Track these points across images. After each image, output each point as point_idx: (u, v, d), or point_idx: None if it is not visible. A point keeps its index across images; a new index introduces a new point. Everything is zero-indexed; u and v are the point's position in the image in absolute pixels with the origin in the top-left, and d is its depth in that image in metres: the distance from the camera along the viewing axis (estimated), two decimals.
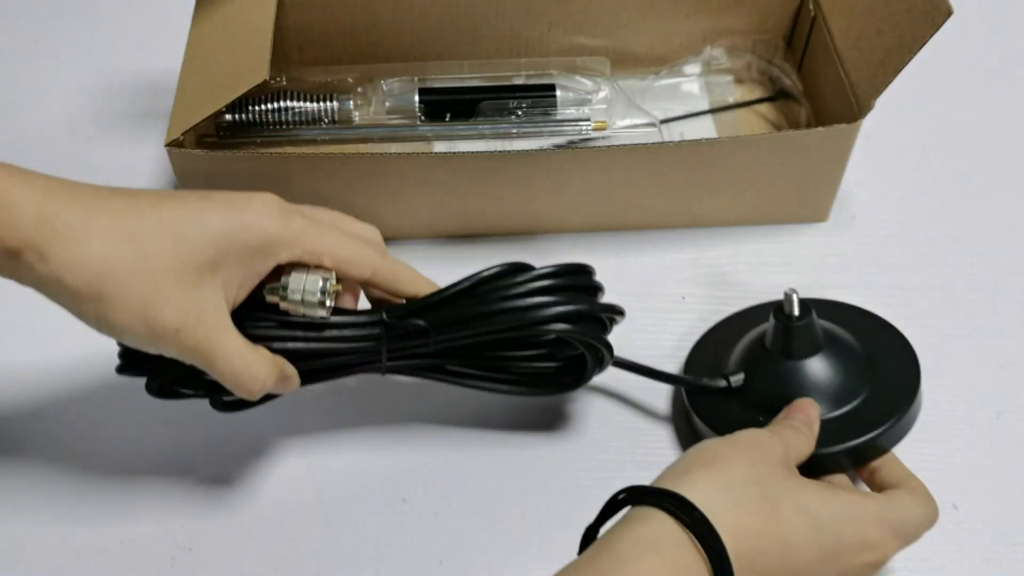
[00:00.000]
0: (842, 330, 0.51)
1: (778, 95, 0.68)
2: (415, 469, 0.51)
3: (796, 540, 0.40)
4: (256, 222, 0.42)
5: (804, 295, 0.58)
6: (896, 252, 0.61)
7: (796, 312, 0.48)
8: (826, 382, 0.48)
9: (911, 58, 0.53)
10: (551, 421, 0.53)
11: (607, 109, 0.65)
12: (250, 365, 0.42)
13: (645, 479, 0.51)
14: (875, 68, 0.56)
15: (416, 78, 0.65)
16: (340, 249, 0.44)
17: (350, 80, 0.66)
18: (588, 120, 0.62)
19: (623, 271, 0.59)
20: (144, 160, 0.65)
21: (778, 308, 0.48)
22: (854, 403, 0.48)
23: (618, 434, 0.53)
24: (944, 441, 0.52)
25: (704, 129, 0.66)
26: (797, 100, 0.66)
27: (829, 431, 0.47)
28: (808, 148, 0.57)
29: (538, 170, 0.57)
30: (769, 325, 0.49)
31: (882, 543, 0.42)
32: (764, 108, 0.67)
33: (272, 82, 0.65)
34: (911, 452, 0.51)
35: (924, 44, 0.52)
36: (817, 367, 0.48)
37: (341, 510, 0.50)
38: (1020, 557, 0.48)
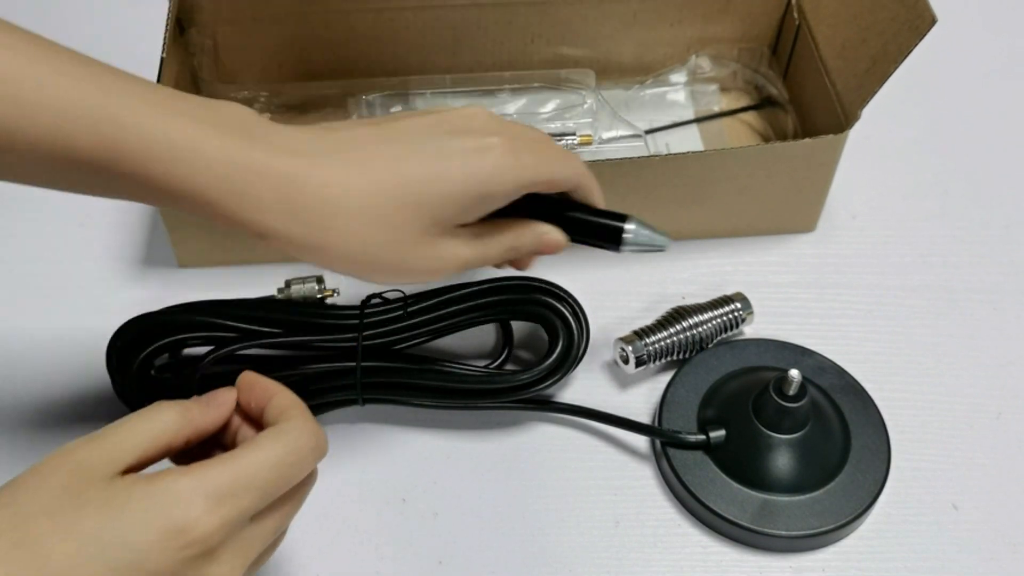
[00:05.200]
0: (826, 402, 0.51)
1: (764, 103, 0.67)
2: (415, 469, 0.51)
3: None
4: (498, 177, 0.41)
5: (805, 294, 0.58)
6: (896, 252, 0.61)
7: (793, 393, 0.48)
8: (806, 461, 0.48)
9: (896, 67, 0.53)
10: (553, 421, 0.53)
11: (592, 122, 0.64)
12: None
13: (646, 474, 0.51)
14: (861, 77, 0.56)
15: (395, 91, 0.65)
16: (559, 171, 0.44)
17: (332, 93, 0.65)
18: (574, 134, 0.62)
19: (614, 286, 0.59)
20: None
21: (777, 385, 0.48)
22: (828, 486, 0.48)
23: (618, 433, 0.53)
24: (944, 441, 0.52)
25: (690, 138, 0.66)
26: (783, 108, 0.66)
27: (800, 514, 0.48)
28: (795, 159, 0.57)
29: None
30: (763, 395, 0.48)
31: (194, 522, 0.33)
32: (750, 116, 0.67)
33: (246, 96, 0.65)
34: (912, 452, 0.52)
35: (909, 53, 0.52)
36: (800, 445, 0.48)
37: (341, 510, 0.50)
38: (1020, 557, 0.48)
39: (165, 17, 0.59)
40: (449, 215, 0.40)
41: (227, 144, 0.37)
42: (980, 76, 0.72)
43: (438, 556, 0.48)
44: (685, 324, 0.53)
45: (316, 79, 0.66)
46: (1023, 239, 0.62)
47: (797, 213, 0.61)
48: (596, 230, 0.47)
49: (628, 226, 0.46)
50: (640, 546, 0.48)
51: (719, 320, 0.54)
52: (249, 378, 0.40)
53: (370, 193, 0.39)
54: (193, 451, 0.39)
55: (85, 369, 0.54)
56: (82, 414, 0.53)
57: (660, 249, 0.48)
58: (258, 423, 0.40)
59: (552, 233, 0.45)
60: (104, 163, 0.37)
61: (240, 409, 0.40)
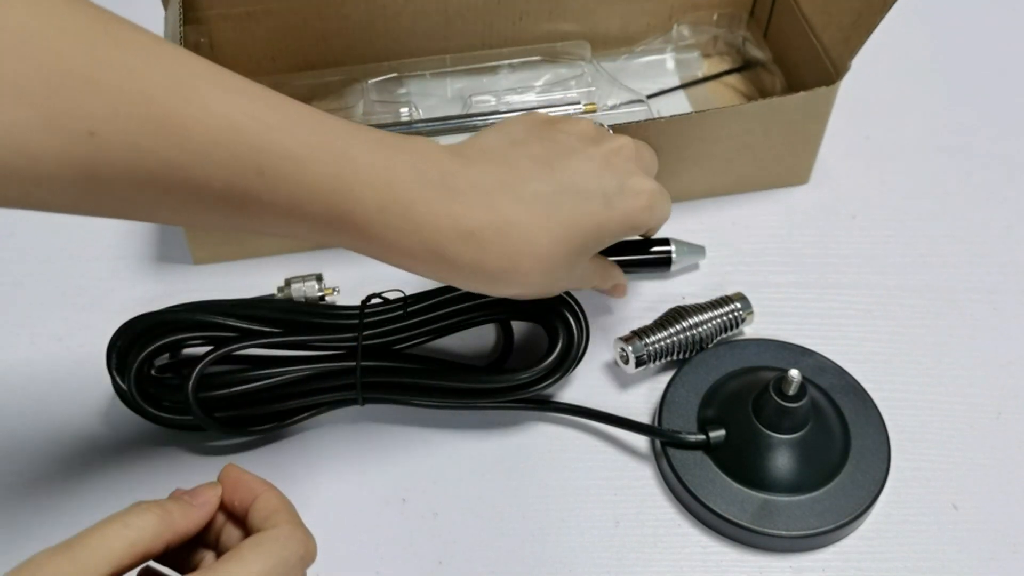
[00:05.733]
0: (826, 402, 0.51)
1: (745, 65, 0.69)
2: (415, 469, 0.51)
3: None
4: (641, 223, 0.47)
5: (805, 294, 0.58)
6: (896, 252, 0.61)
7: (793, 393, 0.48)
8: (806, 461, 0.48)
9: (882, 18, 0.54)
10: (553, 420, 0.53)
11: (594, 91, 0.65)
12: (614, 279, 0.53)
13: (646, 474, 0.51)
14: (847, 30, 0.57)
15: (396, 74, 0.66)
16: (665, 217, 0.50)
17: (337, 80, 0.66)
18: (579, 103, 0.62)
19: None
20: None
21: (777, 385, 0.48)
22: (828, 486, 0.48)
23: (616, 432, 0.53)
24: (944, 441, 0.52)
25: (678, 105, 0.67)
26: (767, 68, 0.67)
27: (800, 514, 0.47)
28: (791, 113, 0.59)
29: None
30: (763, 395, 0.48)
31: None
32: (733, 79, 0.69)
33: None
34: (912, 452, 0.52)
35: (895, 2, 0.53)
36: (800, 445, 0.48)
37: (341, 510, 0.50)
38: (1020, 557, 0.48)
39: (165, 17, 0.59)
40: (596, 250, 0.46)
41: (433, 208, 0.41)
42: (980, 76, 0.72)
43: (438, 556, 0.48)
44: (685, 324, 0.53)
45: (311, 69, 0.66)
46: (1023, 239, 0.62)
47: (791, 166, 0.63)
48: (649, 261, 0.57)
49: (672, 248, 0.57)
50: (640, 546, 0.48)
51: (719, 320, 0.54)
52: (232, 474, 0.39)
53: (549, 243, 0.43)
54: (174, 550, 0.37)
55: (89, 369, 0.54)
56: (82, 414, 0.53)
57: (701, 257, 0.58)
58: (242, 521, 0.39)
59: (623, 283, 0.53)
60: (328, 227, 0.40)
61: (224, 506, 0.39)
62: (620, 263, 0.54)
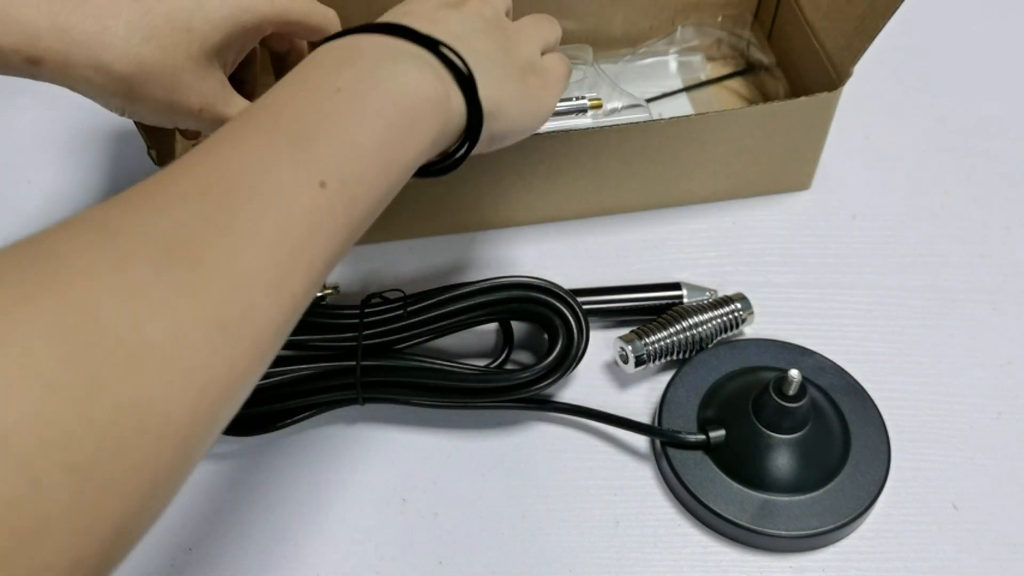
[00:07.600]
0: (826, 402, 0.51)
1: (748, 69, 0.69)
2: (415, 469, 0.51)
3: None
4: (253, 5, 0.46)
5: (805, 294, 0.58)
6: (896, 252, 0.61)
7: (793, 393, 0.48)
8: (806, 461, 0.48)
9: (885, 23, 0.54)
10: (553, 420, 0.53)
11: (595, 94, 0.65)
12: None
13: (646, 474, 0.51)
14: (849, 36, 0.57)
15: None
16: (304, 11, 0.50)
17: None
18: (584, 97, 0.63)
19: (621, 254, 0.60)
20: (129, 173, 0.64)
21: (777, 385, 0.48)
22: (828, 486, 0.48)
23: (616, 432, 0.53)
24: (944, 441, 0.52)
25: (680, 108, 0.67)
26: (770, 72, 0.67)
27: (800, 514, 0.47)
28: (792, 117, 0.58)
29: (533, 158, 0.57)
30: (763, 395, 0.48)
31: None
32: (736, 83, 0.69)
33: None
34: (912, 452, 0.52)
35: (897, 8, 0.53)
36: (800, 445, 0.48)
37: (341, 510, 0.50)
38: (1020, 557, 0.48)
39: None
40: (213, 40, 0.45)
41: None
42: (981, 76, 0.72)
43: (438, 556, 0.48)
44: (685, 324, 0.53)
45: None
46: (1023, 239, 0.62)
47: (793, 172, 0.63)
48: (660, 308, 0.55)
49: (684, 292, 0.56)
50: (640, 546, 0.48)
51: (719, 320, 0.54)
52: None
53: (139, 13, 0.43)
54: None
55: None
56: None
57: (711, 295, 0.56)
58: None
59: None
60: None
61: None
62: (630, 306, 0.55)
